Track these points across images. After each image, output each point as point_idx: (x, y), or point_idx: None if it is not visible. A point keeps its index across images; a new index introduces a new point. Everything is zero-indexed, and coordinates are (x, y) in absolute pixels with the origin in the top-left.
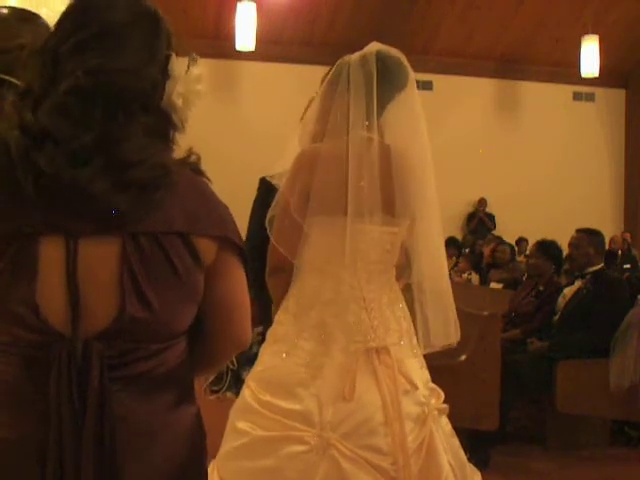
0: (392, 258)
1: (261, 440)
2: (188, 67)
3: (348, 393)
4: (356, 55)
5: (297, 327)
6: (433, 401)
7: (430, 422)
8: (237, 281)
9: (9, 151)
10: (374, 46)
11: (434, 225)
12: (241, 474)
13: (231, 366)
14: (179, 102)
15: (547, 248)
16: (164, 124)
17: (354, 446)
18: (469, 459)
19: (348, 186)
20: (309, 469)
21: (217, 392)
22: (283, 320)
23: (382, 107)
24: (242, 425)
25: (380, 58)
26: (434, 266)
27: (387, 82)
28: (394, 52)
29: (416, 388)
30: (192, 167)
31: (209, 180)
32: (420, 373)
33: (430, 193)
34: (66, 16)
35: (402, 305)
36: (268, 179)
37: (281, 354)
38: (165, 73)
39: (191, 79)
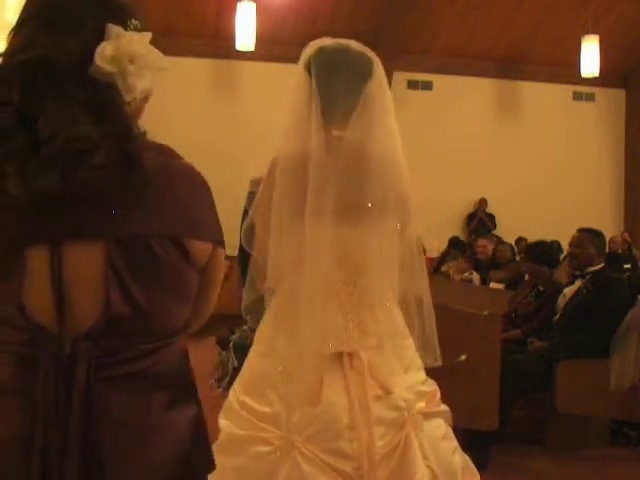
0: (372, 261)
1: (234, 439)
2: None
3: (314, 396)
4: (302, 54)
5: (275, 328)
6: (422, 404)
7: (408, 427)
8: (216, 271)
9: None
10: (315, 43)
11: (391, 228)
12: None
13: (234, 364)
14: (108, 67)
15: (534, 251)
16: (96, 94)
17: (318, 449)
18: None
19: (308, 189)
20: (272, 470)
21: (219, 387)
22: (266, 321)
23: (340, 103)
24: (222, 423)
25: (318, 55)
26: (408, 270)
27: (332, 77)
28: (337, 46)
29: (389, 393)
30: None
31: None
32: (403, 377)
33: (400, 191)
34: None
35: (387, 308)
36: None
37: (259, 355)
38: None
39: (124, 42)
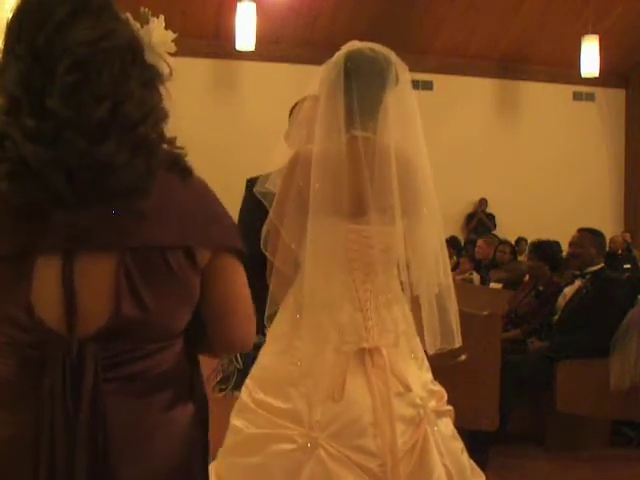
0: (390, 258)
1: (252, 437)
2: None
3: (337, 393)
4: (334, 56)
5: (294, 326)
6: (433, 403)
7: (425, 425)
8: (235, 283)
9: (22, 171)
10: (347, 46)
11: (427, 225)
12: (233, 470)
13: (238, 366)
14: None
15: (540, 249)
16: (152, 75)
17: (342, 446)
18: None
19: (311, 188)
20: (295, 467)
21: (224, 390)
22: (282, 319)
23: (367, 106)
24: (237, 422)
25: (350, 59)
26: (429, 268)
27: (361, 82)
28: (368, 51)
29: (409, 390)
30: (181, 168)
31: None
32: (418, 375)
33: (425, 193)
34: (20, 18)
35: (402, 306)
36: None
37: (277, 353)
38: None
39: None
